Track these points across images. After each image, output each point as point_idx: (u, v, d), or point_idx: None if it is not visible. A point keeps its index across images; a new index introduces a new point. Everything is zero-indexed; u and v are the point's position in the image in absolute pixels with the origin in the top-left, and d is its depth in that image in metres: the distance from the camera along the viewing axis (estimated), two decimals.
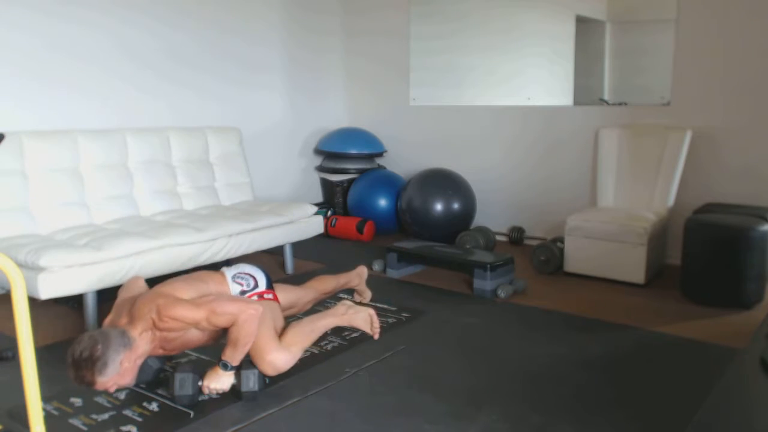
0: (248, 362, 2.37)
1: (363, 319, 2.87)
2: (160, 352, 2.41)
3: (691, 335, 2.99)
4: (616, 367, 2.65)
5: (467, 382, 2.51)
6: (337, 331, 3.04)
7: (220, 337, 2.48)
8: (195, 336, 2.41)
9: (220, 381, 2.33)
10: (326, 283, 3.18)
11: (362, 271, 3.40)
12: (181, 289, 2.40)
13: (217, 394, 2.38)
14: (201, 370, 2.36)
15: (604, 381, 2.53)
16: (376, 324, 2.89)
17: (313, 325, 2.66)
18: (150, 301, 2.30)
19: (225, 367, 2.34)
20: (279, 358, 2.41)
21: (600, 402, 2.35)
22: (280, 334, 2.56)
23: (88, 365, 2.14)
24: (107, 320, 2.42)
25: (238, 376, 2.34)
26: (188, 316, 2.27)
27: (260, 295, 2.61)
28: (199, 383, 2.33)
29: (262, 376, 2.37)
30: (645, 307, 3.43)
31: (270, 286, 2.68)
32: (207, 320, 2.30)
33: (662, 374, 2.59)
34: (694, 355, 2.78)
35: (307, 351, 2.80)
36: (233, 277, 2.61)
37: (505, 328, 3.13)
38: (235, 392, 2.36)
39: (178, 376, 2.28)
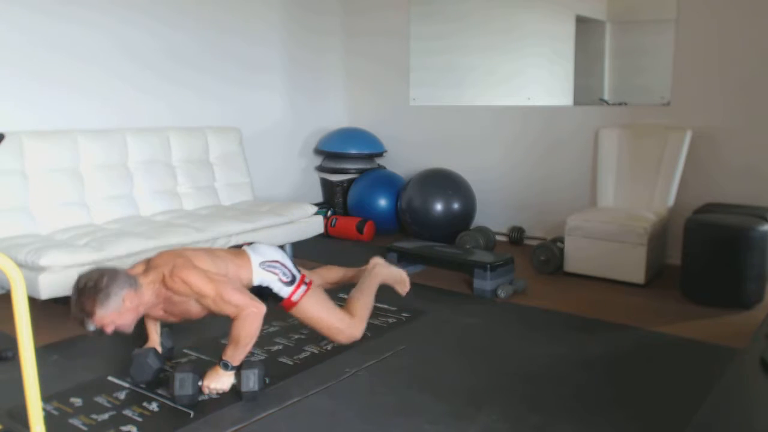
0: (248, 362, 2.37)
1: (393, 274, 2.99)
2: (161, 314, 2.43)
3: (691, 335, 2.99)
4: (616, 367, 2.65)
5: (467, 382, 2.51)
6: None
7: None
8: (195, 309, 2.41)
9: (220, 381, 2.33)
10: (333, 273, 3.14)
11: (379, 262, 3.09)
12: (202, 259, 2.42)
13: (217, 394, 2.37)
14: (201, 369, 2.37)
15: (604, 381, 2.53)
16: (407, 283, 3.01)
17: (368, 290, 2.87)
18: (169, 257, 2.37)
19: (226, 367, 2.34)
20: (358, 331, 2.73)
21: (600, 402, 2.35)
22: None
23: (90, 294, 2.16)
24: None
25: (238, 375, 2.34)
26: (197, 285, 2.30)
27: (305, 283, 2.66)
28: (199, 383, 2.32)
29: (262, 376, 2.36)
30: (645, 307, 3.43)
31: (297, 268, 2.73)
32: (212, 300, 2.31)
33: (662, 374, 2.59)
34: (694, 355, 2.78)
35: (307, 351, 2.80)
36: (262, 265, 2.59)
37: (505, 328, 3.13)
38: (235, 392, 2.35)
39: (178, 376, 2.28)
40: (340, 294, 3.55)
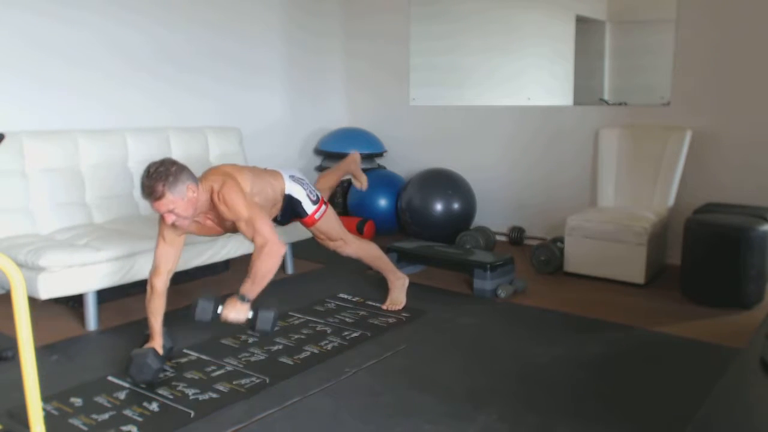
0: (265, 304, 2.57)
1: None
2: (208, 223, 2.69)
3: (691, 335, 2.99)
4: (615, 367, 2.65)
5: (467, 382, 2.51)
6: (337, 330, 3.04)
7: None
8: (230, 226, 2.69)
9: (236, 311, 2.51)
10: (330, 178, 3.49)
11: (356, 157, 3.52)
12: (247, 181, 2.71)
13: (233, 322, 2.53)
14: (221, 301, 2.51)
15: (604, 381, 2.53)
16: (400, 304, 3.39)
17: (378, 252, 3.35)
18: (219, 175, 2.63)
19: (242, 299, 2.52)
20: (357, 245, 3.26)
21: (599, 402, 2.35)
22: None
23: (161, 177, 2.37)
24: None
25: (255, 314, 2.52)
26: (236, 208, 2.55)
27: (325, 203, 3.13)
28: (219, 311, 2.49)
29: (277, 319, 2.55)
30: (645, 307, 3.43)
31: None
32: (245, 223, 2.56)
33: (662, 374, 2.59)
34: (694, 355, 2.78)
35: (307, 351, 2.80)
36: (292, 178, 3.03)
37: (505, 328, 3.13)
38: (249, 326, 2.54)
39: (200, 301, 2.45)
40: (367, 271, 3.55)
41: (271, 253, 2.54)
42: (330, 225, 3.15)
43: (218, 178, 2.61)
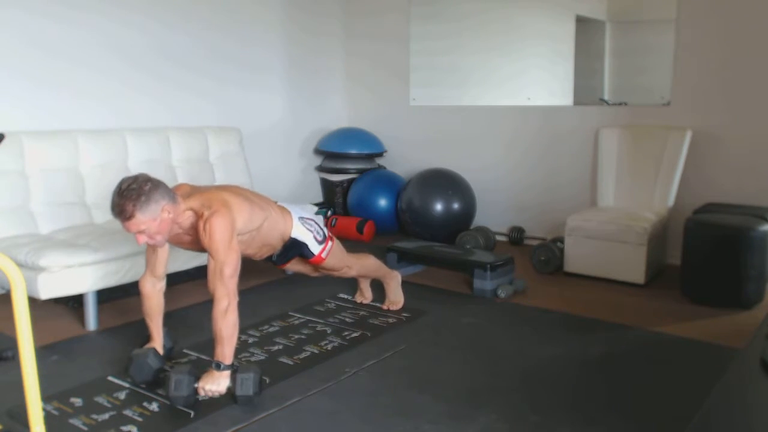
0: (244, 366, 2.36)
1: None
2: (187, 239, 2.51)
3: (691, 335, 2.99)
4: (615, 367, 2.65)
5: (467, 382, 2.51)
6: (337, 331, 3.04)
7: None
8: (190, 242, 2.54)
9: (216, 383, 2.32)
10: (368, 269, 3.33)
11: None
12: (242, 212, 2.49)
13: (213, 396, 2.35)
14: (199, 371, 2.36)
15: (604, 381, 2.53)
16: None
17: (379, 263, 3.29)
18: (217, 199, 2.41)
19: (218, 367, 2.33)
20: (351, 268, 3.14)
21: (599, 402, 2.35)
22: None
23: (132, 196, 2.22)
24: None
25: (234, 379, 2.32)
26: (213, 243, 2.34)
27: (331, 239, 2.99)
28: (195, 385, 2.31)
29: (258, 380, 2.33)
30: (645, 307, 3.43)
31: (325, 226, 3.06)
32: (215, 262, 2.35)
33: (662, 374, 2.59)
34: (694, 355, 2.78)
35: (307, 351, 2.80)
36: (301, 220, 2.87)
37: (505, 328, 3.13)
38: (231, 395, 2.33)
39: (173, 377, 2.27)
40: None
41: (231, 309, 2.35)
42: (336, 259, 3.02)
43: (215, 205, 2.39)
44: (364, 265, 3.26)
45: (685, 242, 3.51)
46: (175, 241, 2.55)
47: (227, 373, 2.34)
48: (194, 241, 2.49)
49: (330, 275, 3.20)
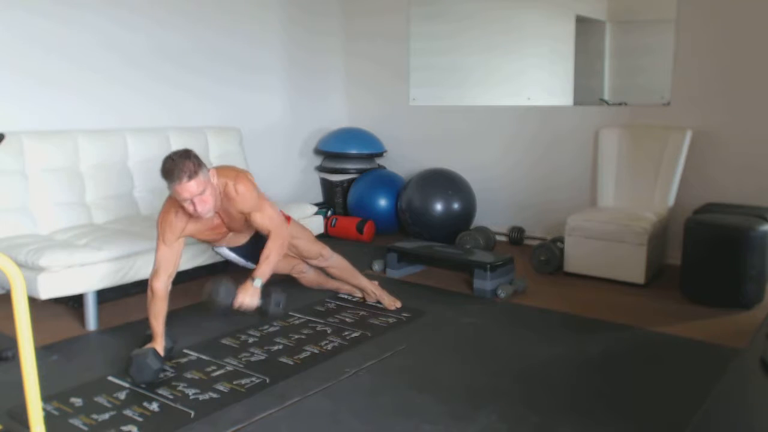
0: (275, 289, 2.72)
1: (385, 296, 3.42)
2: (216, 222, 2.80)
3: (691, 335, 2.99)
4: (615, 367, 2.65)
5: (467, 382, 2.51)
6: (337, 330, 3.04)
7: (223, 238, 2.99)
8: (238, 223, 2.86)
9: (250, 296, 2.63)
10: (344, 261, 3.45)
11: (375, 283, 3.53)
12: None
13: (244, 309, 2.65)
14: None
15: (604, 381, 2.53)
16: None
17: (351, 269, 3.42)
18: (232, 171, 2.73)
19: (256, 281, 2.65)
20: (327, 257, 3.31)
21: (599, 402, 2.35)
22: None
23: (188, 157, 2.41)
24: None
25: (266, 299, 2.67)
26: (250, 197, 2.69)
27: (288, 218, 3.13)
28: (233, 298, 2.61)
29: (287, 302, 2.75)
30: (645, 307, 3.43)
31: None
32: (256, 209, 2.74)
33: (662, 374, 2.59)
34: (694, 355, 2.78)
35: (307, 351, 2.80)
36: None
37: (505, 328, 3.13)
38: (261, 312, 2.71)
39: (223, 285, 2.56)
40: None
41: (281, 237, 2.78)
42: (304, 241, 3.25)
43: (231, 173, 2.71)
44: (339, 260, 3.38)
45: (685, 242, 3.51)
46: (202, 230, 2.77)
47: (260, 290, 2.66)
48: (227, 218, 2.79)
49: (317, 280, 3.47)
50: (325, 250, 3.30)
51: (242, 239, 3.11)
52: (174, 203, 2.61)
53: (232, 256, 3.21)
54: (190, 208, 2.47)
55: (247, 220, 2.84)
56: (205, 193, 2.45)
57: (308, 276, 3.49)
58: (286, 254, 3.17)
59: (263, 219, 2.78)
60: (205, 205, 2.48)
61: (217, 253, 3.27)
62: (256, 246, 2.98)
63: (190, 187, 2.39)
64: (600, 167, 4.34)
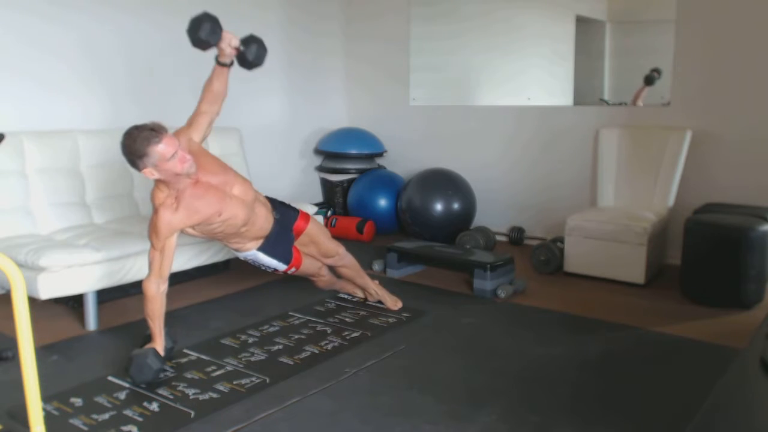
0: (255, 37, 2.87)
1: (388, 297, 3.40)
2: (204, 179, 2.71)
3: (691, 335, 2.99)
4: (615, 367, 2.65)
5: (467, 382, 2.51)
6: (337, 330, 3.04)
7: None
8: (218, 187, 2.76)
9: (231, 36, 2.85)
10: (351, 276, 3.42)
11: (376, 281, 3.51)
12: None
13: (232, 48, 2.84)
14: None
15: (604, 381, 2.53)
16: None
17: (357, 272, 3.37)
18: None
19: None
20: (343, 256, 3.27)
21: (599, 402, 2.35)
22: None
23: (140, 125, 2.42)
24: None
25: (247, 46, 2.87)
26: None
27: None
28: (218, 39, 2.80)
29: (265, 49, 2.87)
30: (645, 307, 3.43)
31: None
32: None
33: (662, 374, 2.59)
34: (694, 355, 2.78)
35: (307, 351, 2.80)
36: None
37: (504, 328, 3.13)
38: (239, 58, 2.91)
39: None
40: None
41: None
42: (325, 236, 3.28)
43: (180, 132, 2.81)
44: (351, 259, 3.35)
45: (685, 242, 3.51)
46: (208, 202, 2.66)
47: (238, 38, 2.86)
48: (210, 181, 2.70)
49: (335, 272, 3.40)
50: (341, 249, 3.29)
51: (263, 221, 2.93)
52: (167, 201, 2.55)
53: (264, 260, 3.01)
54: (179, 165, 2.45)
55: (221, 165, 2.82)
56: (178, 158, 2.45)
57: (325, 278, 3.38)
58: (310, 255, 3.20)
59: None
60: (187, 157, 2.48)
61: (247, 260, 3.06)
62: (283, 235, 3.02)
63: (171, 140, 2.42)
64: (600, 167, 4.34)
